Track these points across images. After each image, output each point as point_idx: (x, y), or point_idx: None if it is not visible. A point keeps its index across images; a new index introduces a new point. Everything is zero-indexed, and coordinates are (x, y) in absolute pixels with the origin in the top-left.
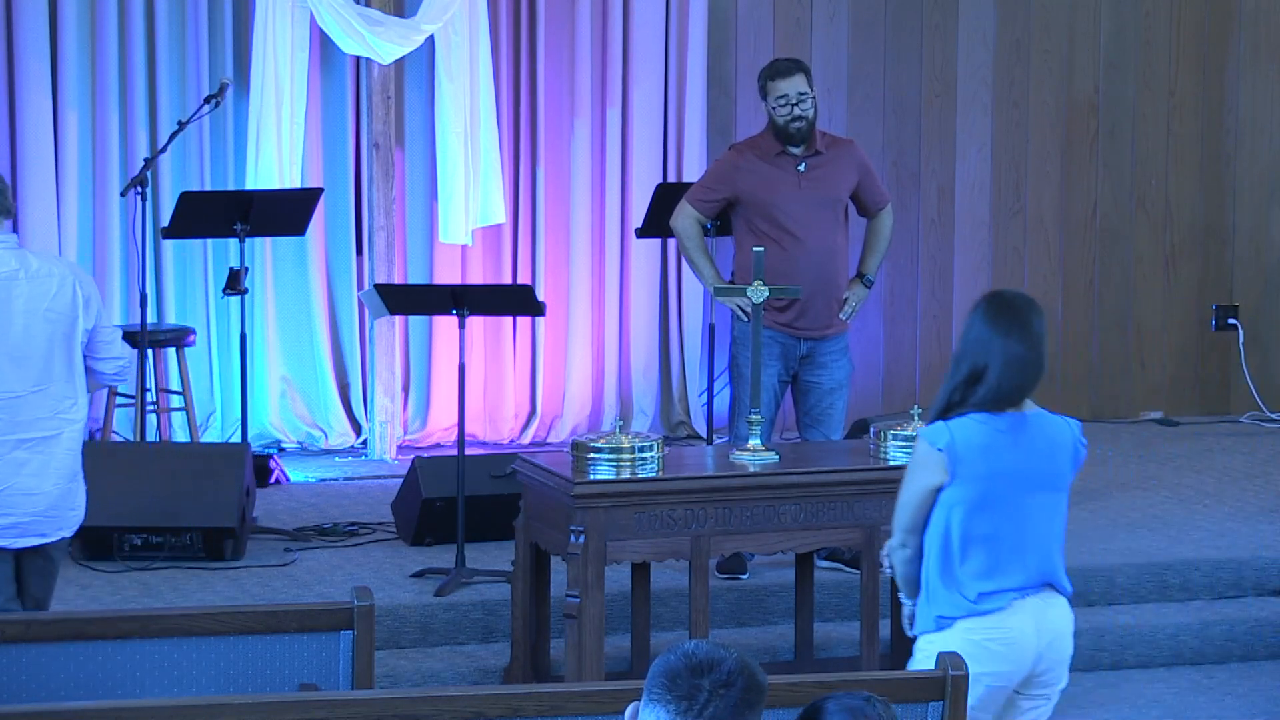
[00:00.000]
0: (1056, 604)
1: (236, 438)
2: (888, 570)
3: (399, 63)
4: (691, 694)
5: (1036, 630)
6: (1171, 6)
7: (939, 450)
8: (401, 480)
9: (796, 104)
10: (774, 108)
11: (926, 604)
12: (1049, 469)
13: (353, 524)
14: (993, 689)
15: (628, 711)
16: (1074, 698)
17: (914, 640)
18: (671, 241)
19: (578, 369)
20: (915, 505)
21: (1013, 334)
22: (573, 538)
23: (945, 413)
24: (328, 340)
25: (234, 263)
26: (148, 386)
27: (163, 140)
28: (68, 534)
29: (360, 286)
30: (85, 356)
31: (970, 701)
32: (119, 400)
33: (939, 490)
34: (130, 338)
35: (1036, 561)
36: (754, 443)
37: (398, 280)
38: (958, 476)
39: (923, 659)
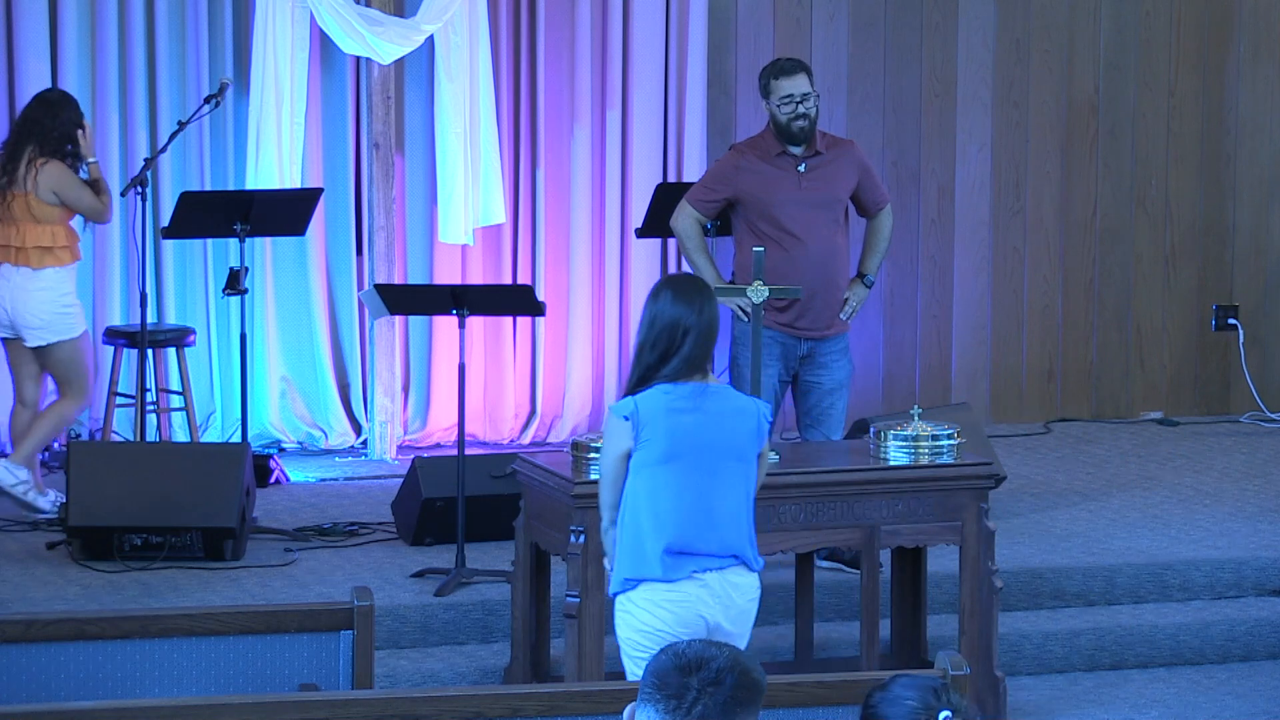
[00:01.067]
0: (741, 580)
1: (236, 438)
2: (607, 564)
3: (399, 63)
4: (680, 693)
5: (715, 603)
6: (1171, 6)
7: (625, 419)
8: (401, 480)
9: (800, 103)
10: (778, 106)
11: (618, 565)
12: (730, 435)
13: (353, 524)
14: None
15: (625, 712)
16: (1074, 697)
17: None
18: (671, 241)
19: (578, 369)
20: (612, 477)
21: (703, 309)
22: (573, 538)
23: (635, 389)
24: (328, 340)
25: (234, 263)
26: (148, 386)
27: (163, 140)
28: None
29: (360, 286)
30: None
31: (650, 645)
32: (119, 400)
33: (629, 458)
34: (130, 337)
35: (724, 534)
36: None
37: (398, 280)
38: (642, 440)
39: (620, 616)
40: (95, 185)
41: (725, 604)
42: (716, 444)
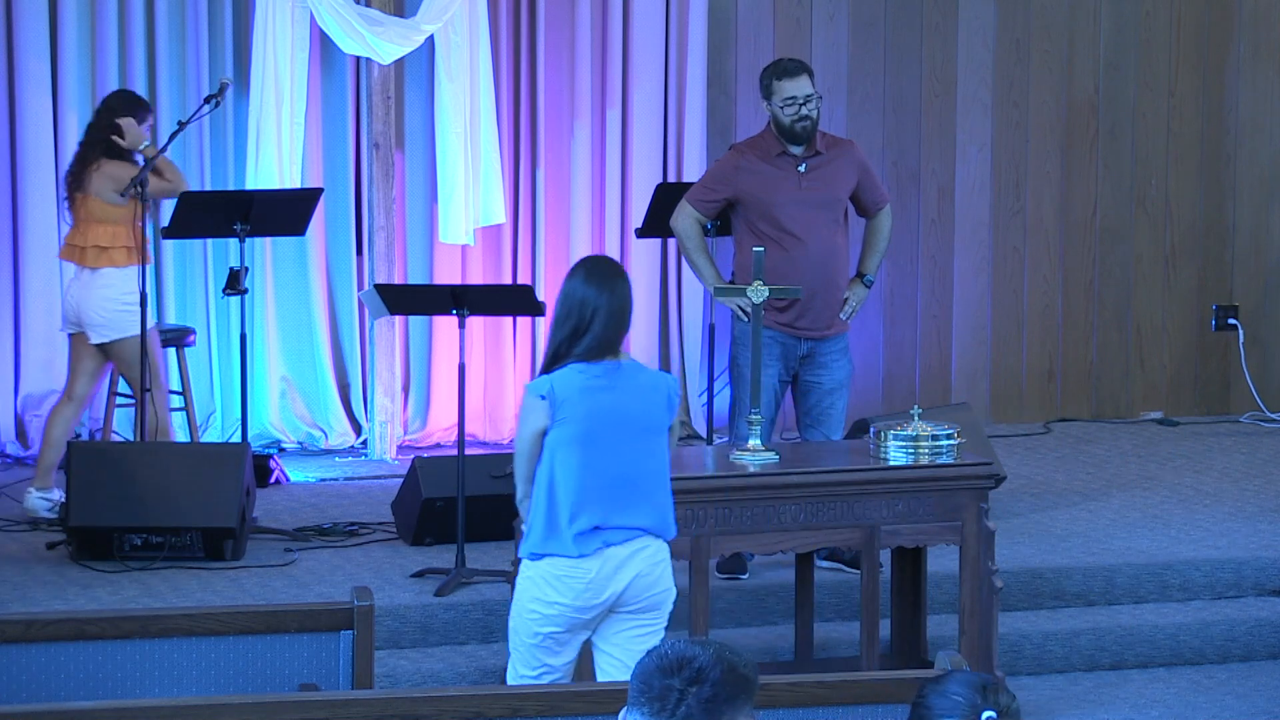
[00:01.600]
0: (646, 548)
1: (236, 438)
2: (525, 529)
3: (399, 63)
4: (664, 695)
5: (617, 574)
6: (1171, 6)
7: (542, 398)
8: (401, 480)
9: (804, 104)
10: (780, 108)
11: (529, 534)
12: (643, 411)
13: (353, 524)
14: (567, 622)
15: (620, 715)
16: (1074, 697)
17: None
18: (671, 241)
19: None
20: (527, 453)
21: (614, 290)
22: None
23: (550, 368)
24: (328, 340)
25: (234, 263)
26: (148, 386)
27: (163, 140)
28: None
29: (360, 286)
30: None
31: (546, 619)
32: (119, 400)
33: (545, 434)
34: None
35: (638, 508)
36: (754, 443)
37: (398, 280)
38: (558, 419)
39: (522, 582)
40: (157, 169)
41: (628, 573)
42: (632, 420)
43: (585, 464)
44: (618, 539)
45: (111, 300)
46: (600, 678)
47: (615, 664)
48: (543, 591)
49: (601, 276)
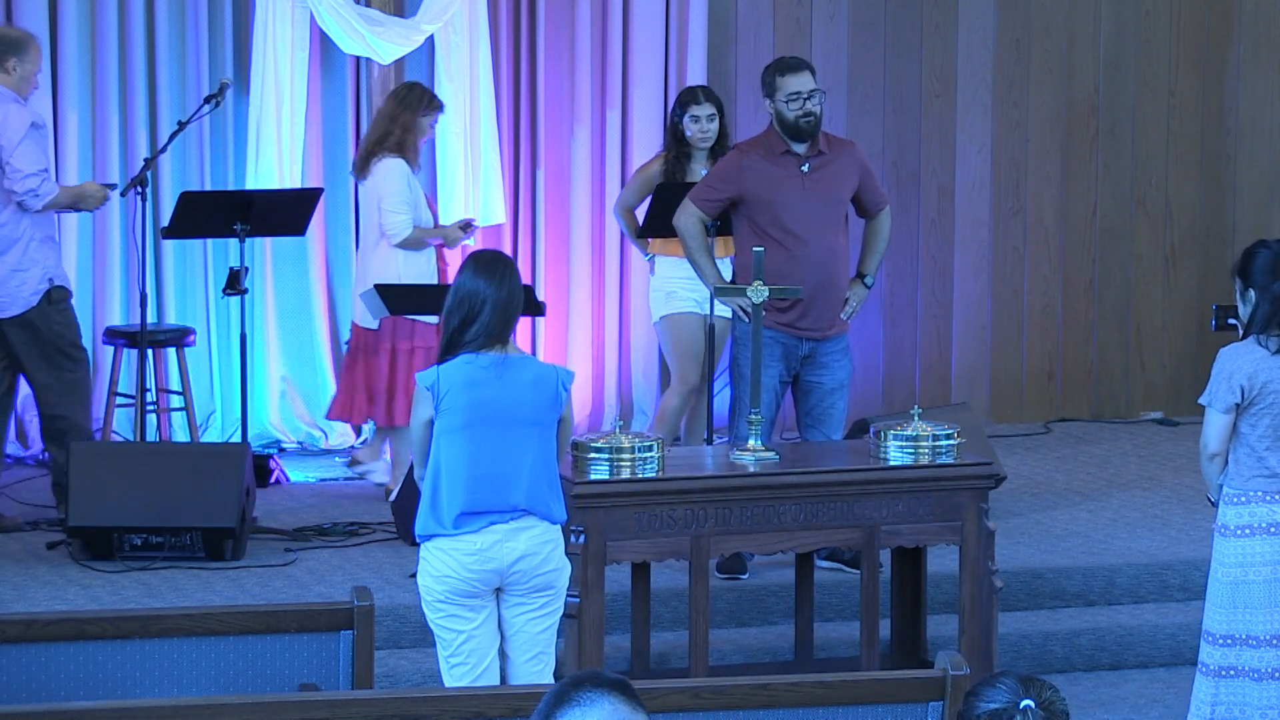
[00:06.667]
0: (533, 528)
1: (236, 438)
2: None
3: (399, 63)
4: None
5: (502, 546)
6: (1171, 6)
7: (427, 389)
8: (402, 480)
9: (807, 99)
10: (785, 103)
11: (419, 516)
12: (527, 403)
13: (353, 524)
14: (460, 590)
15: None
16: (1074, 697)
17: None
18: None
19: (578, 369)
20: (419, 438)
21: (501, 282)
22: (573, 538)
23: (443, 358)
24: (328, 340)
25: (234, 263)
26: (148, 386)
27: (163, 140)
28: None
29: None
30: None
31: (443, 593)
32: (119, 400)
33: (433, 423)
34: (130, 337)
35: (514, 494)
36: (754, 443)
37: None
38: (442, 410)
39: (420, 565)
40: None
41: (514, 549)
42: (512, 412)
43: (468, 454)
44: (502, 520)
45: (655, 284)
46: (509, 666)
47: (519, 648)
48: (433, 568)
49: (489, 268)
